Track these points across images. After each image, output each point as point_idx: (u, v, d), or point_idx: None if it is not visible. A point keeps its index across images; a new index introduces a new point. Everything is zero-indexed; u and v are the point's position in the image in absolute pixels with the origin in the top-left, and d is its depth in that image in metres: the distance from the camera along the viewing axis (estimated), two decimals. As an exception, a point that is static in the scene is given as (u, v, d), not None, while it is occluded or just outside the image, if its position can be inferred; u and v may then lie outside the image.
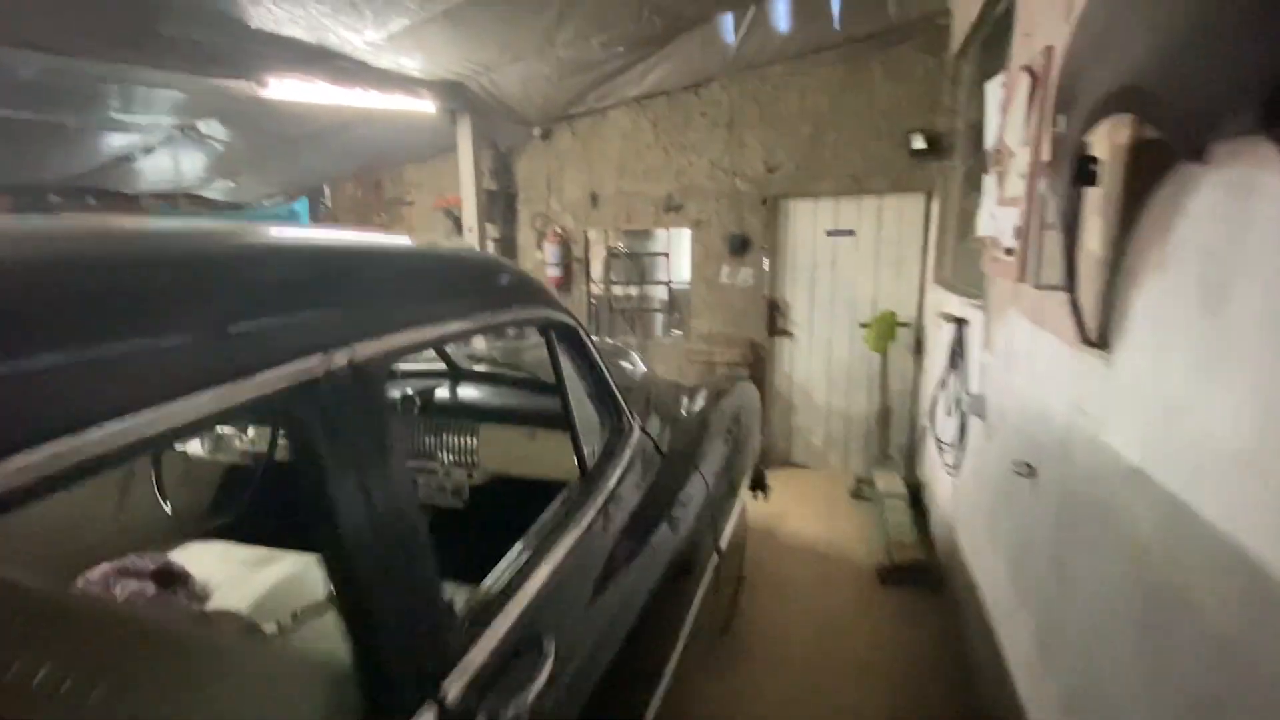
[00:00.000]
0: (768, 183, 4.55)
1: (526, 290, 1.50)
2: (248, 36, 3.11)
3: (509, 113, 4.89)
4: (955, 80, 3.85)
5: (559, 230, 5.24)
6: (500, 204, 5.44)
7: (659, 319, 5.21)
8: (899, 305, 4.35)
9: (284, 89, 3.36)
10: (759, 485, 3.41)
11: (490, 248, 5.46)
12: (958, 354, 2.88)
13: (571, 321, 1.63)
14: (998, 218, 2.20)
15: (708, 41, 4.17)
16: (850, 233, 4.48)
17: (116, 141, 4.52)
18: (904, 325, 4.29)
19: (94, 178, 5.36)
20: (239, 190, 6.30)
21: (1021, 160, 1.97)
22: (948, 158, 3.95)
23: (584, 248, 5.25)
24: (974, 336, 2.71)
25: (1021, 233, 1.92)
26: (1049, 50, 1.79)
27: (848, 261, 4.53)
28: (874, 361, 4.41)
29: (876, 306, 4.47)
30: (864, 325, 4.35)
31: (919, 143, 4.02)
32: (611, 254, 5.14)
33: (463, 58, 4.05)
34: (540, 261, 5.35)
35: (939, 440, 3.06)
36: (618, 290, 5.14)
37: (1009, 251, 2.02)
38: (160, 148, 4.79)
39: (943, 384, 3.06)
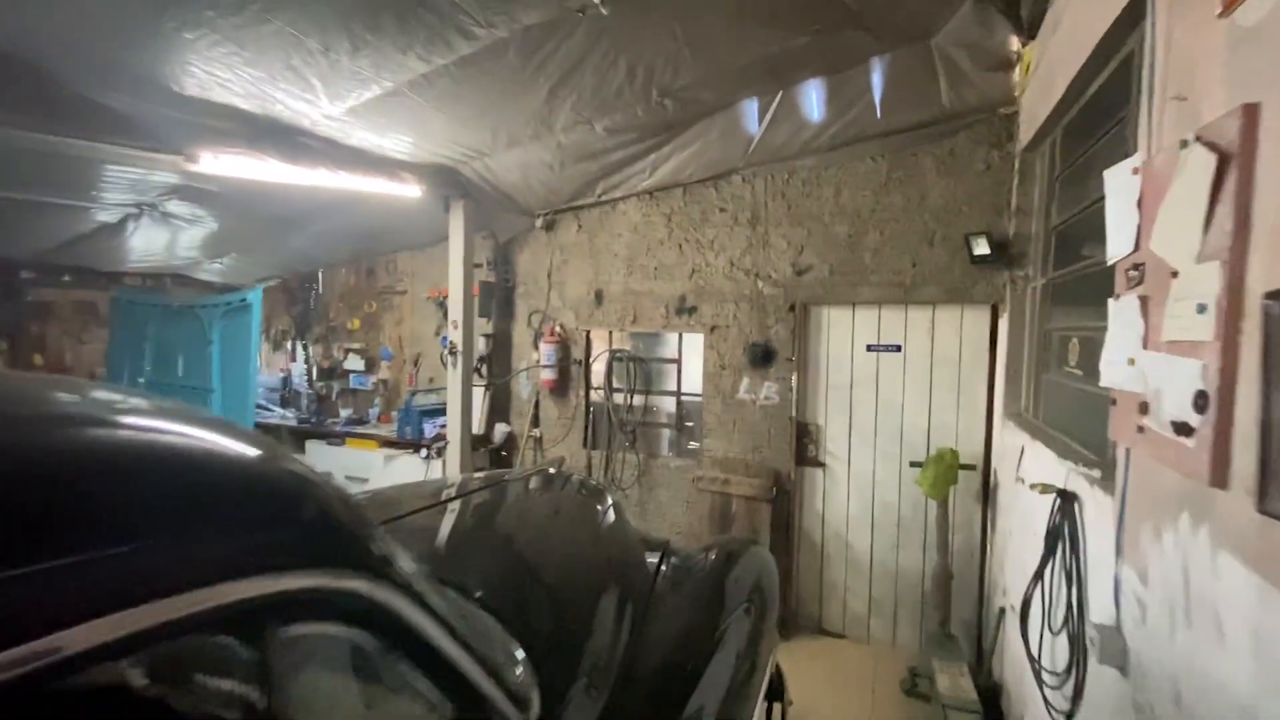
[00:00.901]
0: (796, 286, 3.88)
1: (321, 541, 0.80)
2: (177, 104, 2.67)
3: (508, 201, 4.42)
4: (1025, 176, 3.19)
5: (558, 329, 4.63)
6: (498, 296, 4.89)
7: (666, 436, 4.44)
8: (961, 440, 3.50)
9: (221, 165, 2.89)
10: (776, 694, 2.50)
11: (480, 345, 4.87)
12: (1063, 542, 2.01)
13: (400, 601, 0.89)
14: (1146, 368, 1.42)
15: (728, 130, 3.65)
16: (896, 348, 3.72)
17: (78, 218, 4.16)
18: (968, 468, 3.42)
19: (77, 253, 5.04)
20: (230, 272, 5.96)
21: (1197, 283, 1.22)
22: (1018, 266, 3.22)
23: (584, 349, 4.60)
24: (1093, 524, 1.86)
25: (1216, 406, 1.13)
26: (1251, 111, 1.08)
27: (893, 382, 3.73)
28: (930, 509, 3.51)
29: (931, 439, 3.62)
30: (916, 464, 3.49)
31: (981, 247, 3.32)
32: (615, 357, 4.47)
33: (449, 140, 3.59)
34: (535, 362, 4.71)
35: (1036, 662, 2.13)
36: (620, 399, 4.43)
37: (1183, 430, 1.23)
38: (134, 225, 4.42)
39: (1038, 577, 2.17)
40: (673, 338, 4.38)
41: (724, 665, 1.99)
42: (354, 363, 5.61)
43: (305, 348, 5.95)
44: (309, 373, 5.84)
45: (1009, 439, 3.07)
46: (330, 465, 5.02)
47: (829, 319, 3.89)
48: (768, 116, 3.54)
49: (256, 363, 3.74)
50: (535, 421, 4.80)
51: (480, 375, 4.98)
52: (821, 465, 3.95)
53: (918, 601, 3.68)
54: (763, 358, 3.96)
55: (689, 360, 4.33)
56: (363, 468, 4.83)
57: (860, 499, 3.84)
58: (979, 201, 3.43)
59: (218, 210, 4.39)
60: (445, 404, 4.58)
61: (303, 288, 5.99)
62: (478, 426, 4.88)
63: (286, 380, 6.01)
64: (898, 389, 3.72)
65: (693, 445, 4.31)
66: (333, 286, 5.89)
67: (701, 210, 4.14)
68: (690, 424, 4.35)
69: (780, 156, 3.82)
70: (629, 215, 4.39)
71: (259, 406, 5.84)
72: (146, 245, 5.13)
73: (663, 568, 2.49)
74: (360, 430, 5.01)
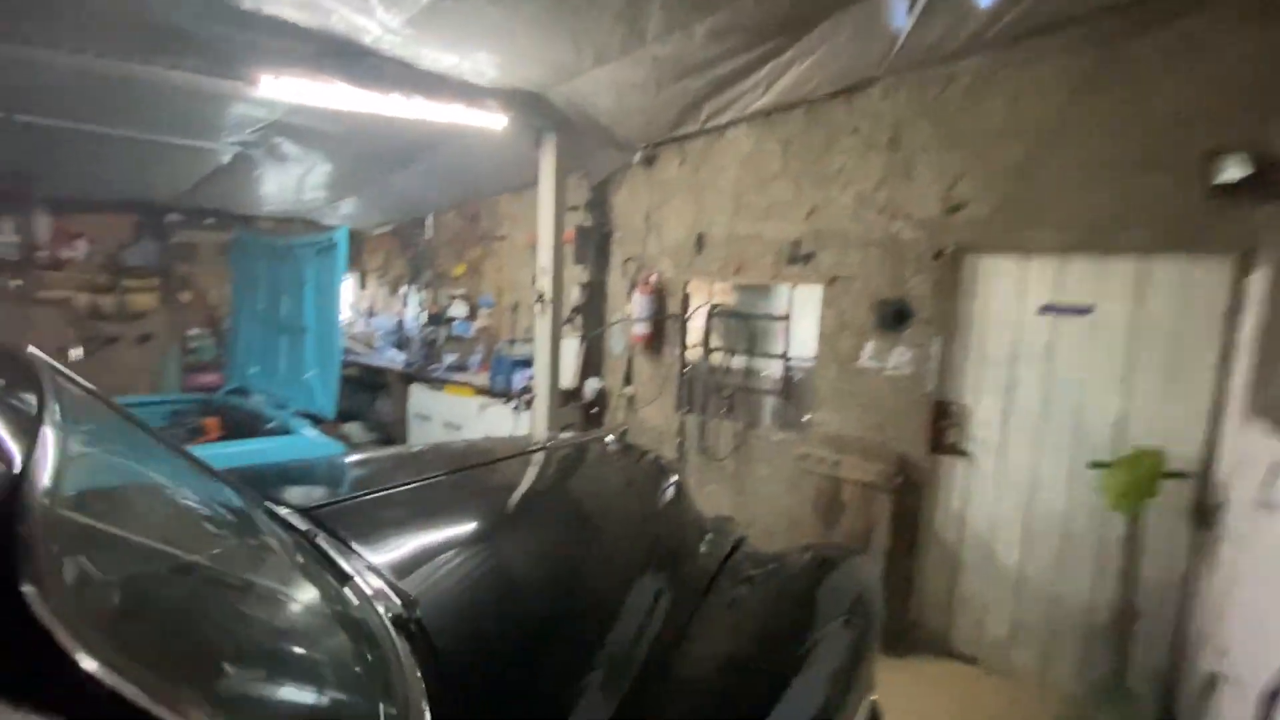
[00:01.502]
0: (945, 228, 3.06)
1: None
2: (237, 21, 2.46)
3: (603, 134, 3.94)
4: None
5: (654, 279, 4.15)
6: (594, 243, 4.50)
7: (769, 404, 3.85)
8: (1169, 439, 2.58)
9: (284, 88, 2.69)
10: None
11: (575, 294, 4.54)
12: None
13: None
14: None
15: (864, 28, 2.87)
16: (1085, 310, 2.81)
17: (200, 160, 4.30)
18: (1177, 476, 2.52)
19: (216, 197, 5.35)
20: (353, 217, 6.11)
21: None
22: (1295, 197, 2.22)
23: (682, 302, 4.09)
24: None
25: None
26: None
27: (1075, 356, 2.85)
28: (1113, 524, 2.66)
29: (1125, 435, 2.73)
30: (1099, 465, 2.64)
31: (1232, 171, 2.33)
32: (715, 312, 3.92)
33: (528, 57, 3.16)
34: (629, 314, 4.30)
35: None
36: (718, 359, 3.90)
37: None
38: (250, 166, 4.54)
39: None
40: (783, 291, 3.73)
41: (812, 685, 1.52)
42: (458, 309, 5.56)
43: (415, 293, 6.01)
44: (419, 318, 5.90)
45: (1254, 445, 2.16)
46: (430, 410, 5.03)
47: (988, 270, 3.04)
48: (919, 5, 2.71)
49: (340, 302, 3.67)
50: (628, 379, 4.42)
51: (573, 327, 4.67)
52: (964, 454, 3.17)
53: (1082, 637, 2.88)
54: (894, 318, 3.22)
55: (800, 318, 3.67)
56: (459, 414, 4.77)
57: (1014, 501, 3.04)
58: (1229, 107, 2.40)
59: (323, 149, 4.36)
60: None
61: (414, 233, 6.02)
62: (569, 380, 4.60)
63: (400, 324, 6.13)
64: (1080, 365, 2.83)
65: (802, 418, 3.69)
66: (441, 232, 5.85)
67: (826, 134, 3.40)
68: (798, 392, 3.72)
69: (933, 58, 2.96)
70: (738, 144, 3.74)
71: (370, 347, 6.03)
72: (278, 190, 5.33)
73: (730, 562, 2.04)
74: (458, 377, 4.95)
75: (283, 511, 1.41)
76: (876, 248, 3.27)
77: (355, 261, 6.81)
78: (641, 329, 4.11)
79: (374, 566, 1.29)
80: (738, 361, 3.86)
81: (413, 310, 6.02)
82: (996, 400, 3.07)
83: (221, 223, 5.67)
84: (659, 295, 4.14)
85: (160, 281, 5.32)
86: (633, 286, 4.25)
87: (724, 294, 4.00)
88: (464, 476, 1.98)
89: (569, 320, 4.66)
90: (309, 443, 3.47)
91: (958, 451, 3.19)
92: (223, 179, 4.76)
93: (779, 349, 3.75)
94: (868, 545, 3.23)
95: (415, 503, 1.69)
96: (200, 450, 3.47)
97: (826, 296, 3.45)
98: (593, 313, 4.62)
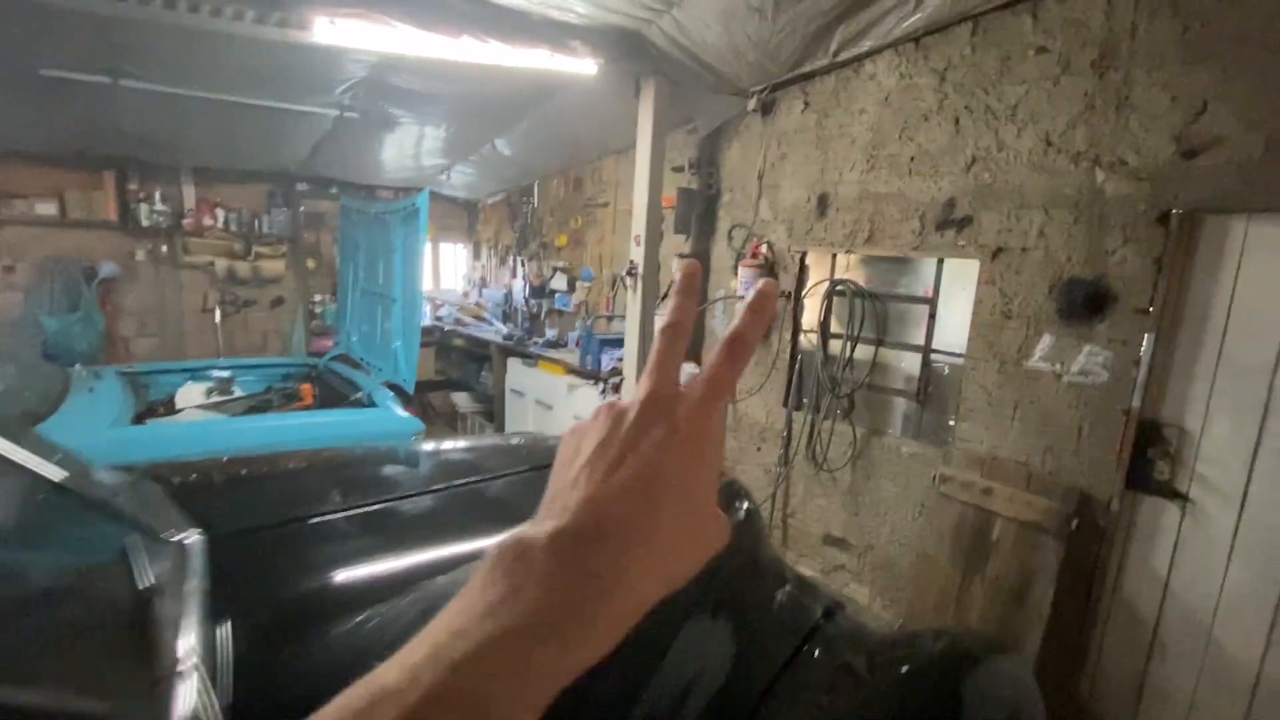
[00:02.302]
0: (1178, 179, 2.14)
1: None
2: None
3: (711, 76, 3.35)
4: None
5: (764, 250, 3.52)
6: (698, 208, 3.94)
7: (899, 407, 3.11)
8: None
9: (342, 33, 2.42)
10: None
11: (674, 266, 4.03)
12: None
13: None
14: None
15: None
16: None
17: (307, 126, 4.31)
18: None
19: (338, 167, 5.48)
20: (468, 186, 6.04)
21: None
22: None
23: (796, 278, 3.43)
24: None
25: None
26: None
27: (1394, 371, 1.87)
28: None
29: None
30: None
31: None
32: (837, 290, 3.22)
33: (618, -21, 2.66)
34: (733, 291, 3.72)
35: None
36: (839, 348, 3.21)
37: None
38: (355, 130, 4.51)
39: None
40: (926, 267, 2.95)
41: None
42: (559, 282, 5.28)
43: (521, 264, 5.83)
44: (525, 290, 5.72)
45: None
46: (524, 386, 4.82)
47: (1248, 239, 2.10)
48: None
49: (421, 270, 3.47)
50: (730, 365, 3.85)
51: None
52: (1179, 497, 2.28)
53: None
54: (1085, 305, 2.36)
55: (949, 302, 2.88)
56: (550, 393, 4.50)
57: (1259, 572, 2.12)
58: None
59: (421, 112, 4.21)
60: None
61: (523, 202, 5.82)
62: (666, 364, 4.13)
63: (508, 295, 6.01)
64: (1403, 385, 1.85)
65: (943, 429, 2.93)
66: (546, 200, 5.58)
67: (1000, 57, 2.56)
68: (939, 397, 2.95)
69: (1181, -72, 2.04)
70: (878, 80, 2.98)
71: (480, 318, 5.96)
72: (391, 158, 5.35)
73: (821, 634, 1.50)
74: (553, 354, 4.67)
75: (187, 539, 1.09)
76: (1065, 208, 2.41)
77: (470, 232, 6.79)
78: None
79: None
80: (863, 353, 3.16)
81: (520, 282, 5.85)
82: (1240, 425, 2.14)
83: (344, 191, 5.82)
84: (769, 269, 3.51)
85: (289, 248, 5.58)
86: (739, 259, 3.65)
87: (849, 269, 3.28)
88: (444, 497, 1.60)
89: (665, 296, 4.16)
90: (385, 417, 3.33)
91: (1169, 492, 2.30)
92: (333, 146, 4.80)
93: (918, 339, 2.99)
94: (1023, 602, 2.46)
95: (357, 534, 1.33)
96: (283, 418, 3.48)
97: (987, 274, 2.64)
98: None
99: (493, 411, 5.56)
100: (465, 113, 4.26)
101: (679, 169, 3.99)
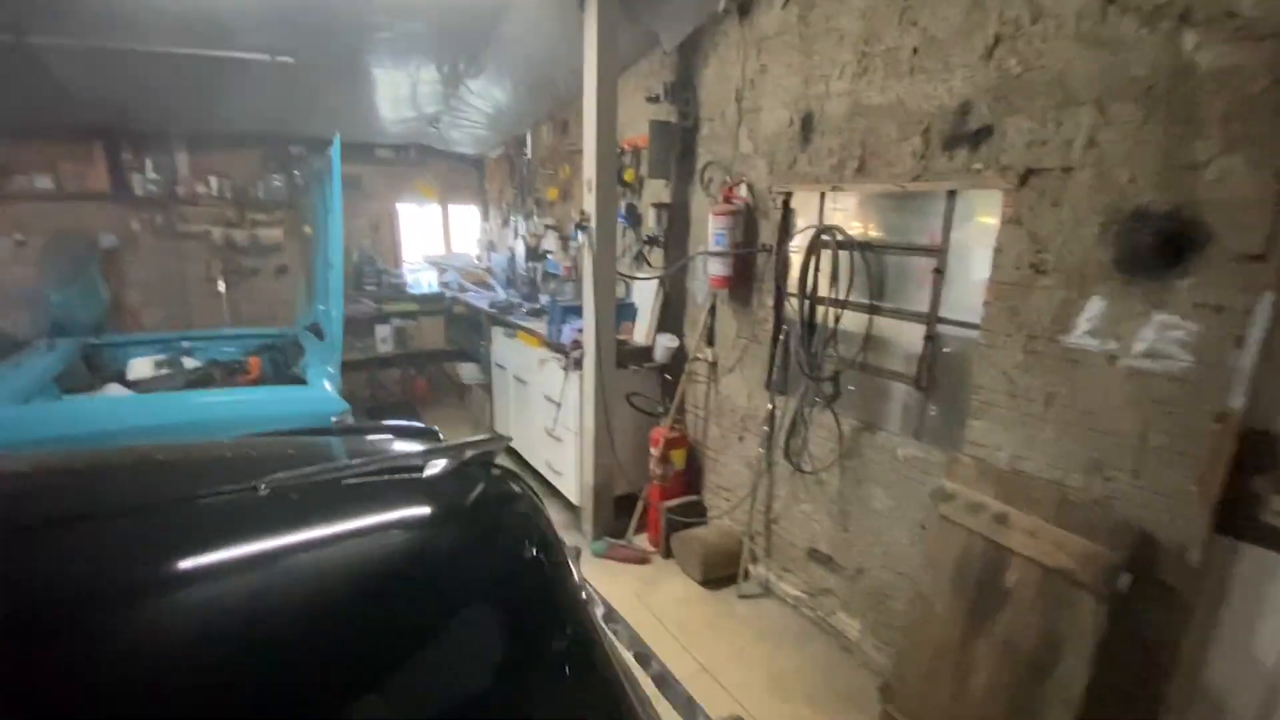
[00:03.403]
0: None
1: None
2: None
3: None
4: None
5: (741, 192, 2.80)
6: (675, 146, 3.24)
7: (897, 395, 2.34)
8: None
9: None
10: None
11: (650, 219, 3.39)
12: None
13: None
14: None
15: None
16: None
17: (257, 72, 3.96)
18: None
19: (318, 123, 5.19)
20: (469, 141, 5.59)
21: None
22: None
23: (778, 226, 2.68)
24: None
25: None
26: None
27: None
28: None
29: None
30: None
31: None
32: (823, 242, 2.45)
33: None
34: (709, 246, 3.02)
35: None
36: (826, 315, 2.47)
37: None
38: (327, 79, 4.14)
39: None
40: (933, 204, 2.13)
41: None
42: (550, 241, 4.74)
43: (521, 223, 5.34)
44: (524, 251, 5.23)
45: None
46: (506, 358, 4.37)
47: None
48: None
49: (336, 229, 3.07)
50: (710, 337, 3.18)
51: (647, 264, 3.53)
52: (1306, 551, 1.44)
53: None
54: (1159, 248, 1.53)
55: (962, 252, 2.06)
56: (526, 367, 4.03)
57: None
58: None
59: (382, 56, 3.74)
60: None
61: (519, 155, 5.28)
62: (644, 335, 3.52)
63: (511, 259, 5.55)
64: None
65: (950, 427, 2.15)
66: (538, 150, 5.01)
67: (1037, -127, 1.69)
68: (946, 382, 2.16)
69: None
70: (869, -57, 2.15)
71: (481, 284, 5.55)
72: (384, 113, 4.97)
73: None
74: (530, 324, 4.17)
75: None
76: (1131, 99, 1.55)
77: (479, 191, 6.37)
78: (719, 267, 2.82)
79: None
80: (853, 322, 2.40)
81: (521, 244, 5.37)
82: None
83: (343, 154, 5.52)
84: (746, 216, 2.79)
85: (286, 215, 5.39)
86: (715, 204, 2.94)
87: (847, 213, 2.50)
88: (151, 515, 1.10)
89: (640, 254, 3.52)
90: (300, 396, 2.99)
91: (1293, 543, 1.47)
92: (307, 101, 4.46)
93: (921, 305, 2.19)
94: (1046, 678, 1.72)
95: None
96: (184, 396, 3.21)
97: (1012, 209, 1.83)
98: (676, 243, 3.41)
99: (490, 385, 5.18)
100: (418, 49, 3.76)
101: (654, 98, 3.29)
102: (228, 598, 0.84)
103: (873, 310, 2.33)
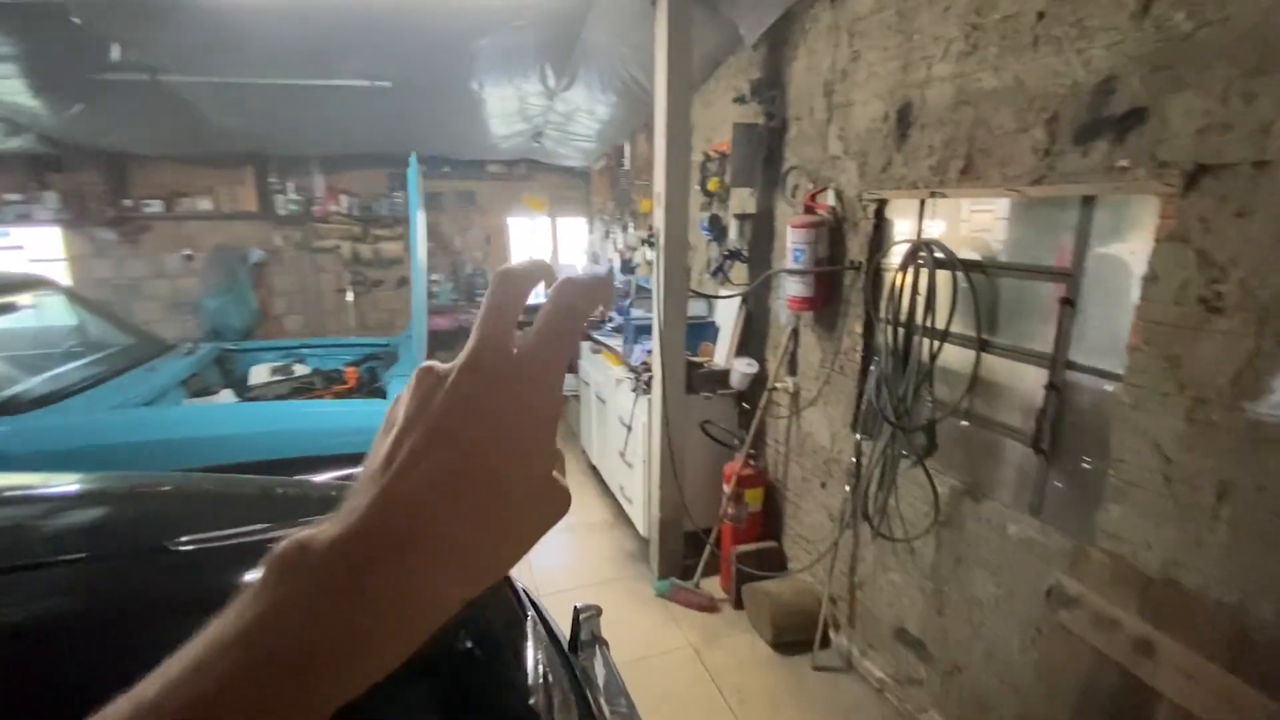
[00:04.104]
0: None
1: None
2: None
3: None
4: None
5: (830, 199, 2.41)
6: (761, 149, 2.91)
7: (1009, 456, 1.83)
8: None
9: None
10: None
11: (732, 230, 3.09)
12: None
13: None
14: None
15: None
16: None
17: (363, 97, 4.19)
18: None
19: (450, 143, 5.44)
20: (589, 151, 5.59)
21: None
22: None
23: (869, 239, 2.27)
24: None
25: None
26: None
27: None
28: None
29: None
30: None
31: None
32: (922, 260, 2.00)
33: None
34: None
35: None
36: (925, 348, 2.01)
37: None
38: (419, 99, 4.30)
39: None
40: (1061, 215, 1.63)
41: None
42: (643, 254, 4.56)
43: (615, 237, 5.22)
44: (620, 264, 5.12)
45: None
46: (590, 375, 4.26)
47: None
48: None
49: (417, 244, 3.10)
50: (792, 365, 2.81)
51: (727, 281, 3.22)
52: None
53: None
54: None
55: (1101, 279, 1.55)
56: (606, 385, 3.87)
57: None
58: None
59: (454, 69, 3.80)
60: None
61: (619, 165, 5.17)
62: (724, 358, 3.22)
63: (610, 272, 5.46)
64: None
65: (1081, 501, 1.63)
66: (636, 160, 4.85)
67: None
68: (1076, 446, 1.64)
69: None
70: (982, -113, 1.71)
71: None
72: (503, 129, 5.11)
73: None
74: (613, 341, 4.01)
75: None
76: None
77: (585, 204, 6.36)
78: (798, 287, 2.46)
79: None
80: (956, 359, 1.94)
81: (617, 257, 5.26)
82: None
83: (458, 170, 5.78)
84: (832, 229, 2.40)
85: (405, 230, 5.71)
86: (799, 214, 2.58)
87: (944, 223, 2.04)
88: None
89: (719, 270, 3.21)
90: (367, 411, 3.06)
91: None
92: (418, 121, 4.67)
93: (1044, 344, 1.70)
94: None
95: None
96: (260, 407, 3.37)
97: (1172, 221, 1.32)
98: (760, 258, 3.07)
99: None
100: (506, 65, 3.75)
101: (740, 99, 2.99)
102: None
103: (981, 346, 1.86)
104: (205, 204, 5.16)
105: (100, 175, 4.93)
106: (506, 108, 4.68)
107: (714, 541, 3.03)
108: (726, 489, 2.95)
